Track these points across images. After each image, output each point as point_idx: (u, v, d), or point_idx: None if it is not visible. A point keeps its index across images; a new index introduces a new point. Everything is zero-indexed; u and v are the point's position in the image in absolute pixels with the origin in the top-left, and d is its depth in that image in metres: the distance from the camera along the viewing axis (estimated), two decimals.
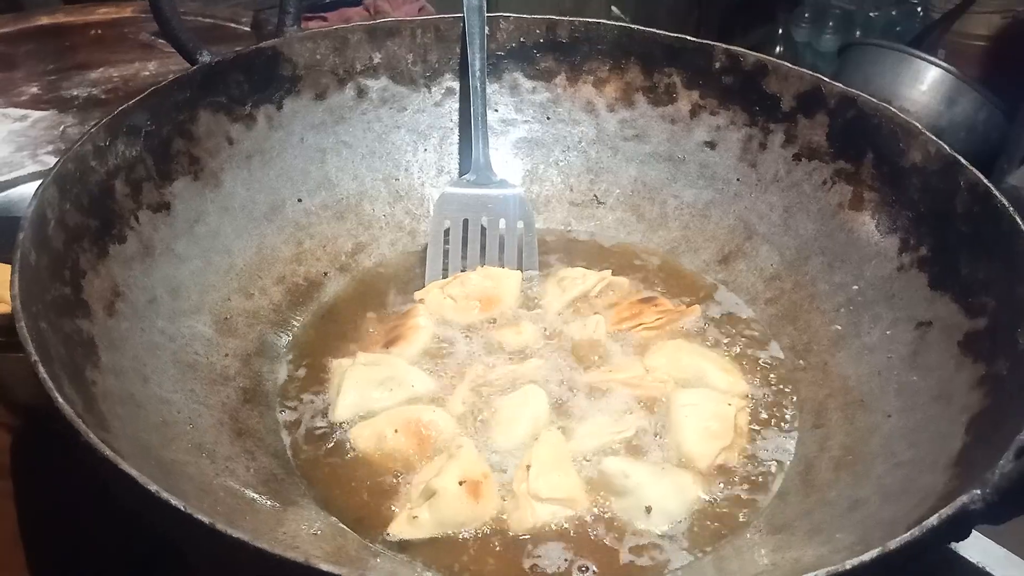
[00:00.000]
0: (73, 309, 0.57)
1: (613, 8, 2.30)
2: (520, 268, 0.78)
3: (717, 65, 0.80)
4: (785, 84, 0.77)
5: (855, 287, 0.69)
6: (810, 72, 0.75)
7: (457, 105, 0.86)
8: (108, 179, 0.64)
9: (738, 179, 0.80)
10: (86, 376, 0.53)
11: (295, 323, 0.74)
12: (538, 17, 0.84)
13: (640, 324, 0.71)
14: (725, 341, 0.72)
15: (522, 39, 0.85)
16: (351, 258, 0.81)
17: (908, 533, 0.38)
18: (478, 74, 0.81)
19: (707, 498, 0.58)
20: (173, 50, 0.75)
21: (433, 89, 0.85)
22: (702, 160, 0.82)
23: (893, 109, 0.70)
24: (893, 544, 0.38)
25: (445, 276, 0.77)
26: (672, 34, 0.82)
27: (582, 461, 0.60)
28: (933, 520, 0.39)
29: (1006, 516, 0.40)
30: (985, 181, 0.61)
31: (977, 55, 2.34)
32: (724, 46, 0.80)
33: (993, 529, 0.60)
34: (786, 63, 0.76)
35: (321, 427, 0.64)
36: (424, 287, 0.76)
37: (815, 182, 0.75)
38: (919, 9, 2.46)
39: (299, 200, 0.79)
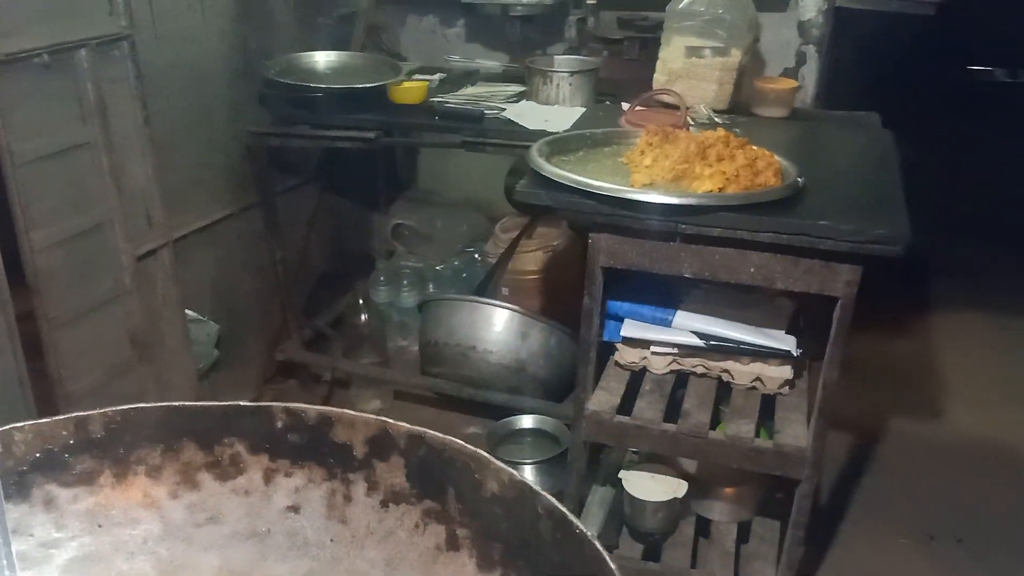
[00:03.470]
0: None
1: (188, 312, 2.23)
2: None
3: (280, 424, 0.76)
4: (353, 431, 0.74)
5: None
6: (374, 416, 0.74)
7: None
8: None
9: (332, 540, 0.74)
10: None
11: None
12: (61, 418, 0.74)
13: None
14: None
15: (47, 445, 0.73)
16: None
17: None
18: None
19: None
20: None
21: None
22: (289, 527, 0.75)
23: (460, 442, 0.70)
24: None
25: None
26: (222, 403, 0.76)
27: None
28: None
29: None
30: (560, 506, 0.62)
31: (535, 286, 2.66)
32: (283, 405, 0.76)
33: None
34: (349, 411, 0.74)
35: None
36: None
37: (408, 526, 0.72)
38: (477, 256, 2.75)
39: None
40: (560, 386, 2.32)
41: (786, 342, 1.60)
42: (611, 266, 1.52)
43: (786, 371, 1.63)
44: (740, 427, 1.54)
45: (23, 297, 1.85)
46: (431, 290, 2.67)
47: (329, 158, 2.57)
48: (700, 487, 1.77)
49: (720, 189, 1.46)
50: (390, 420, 0.74)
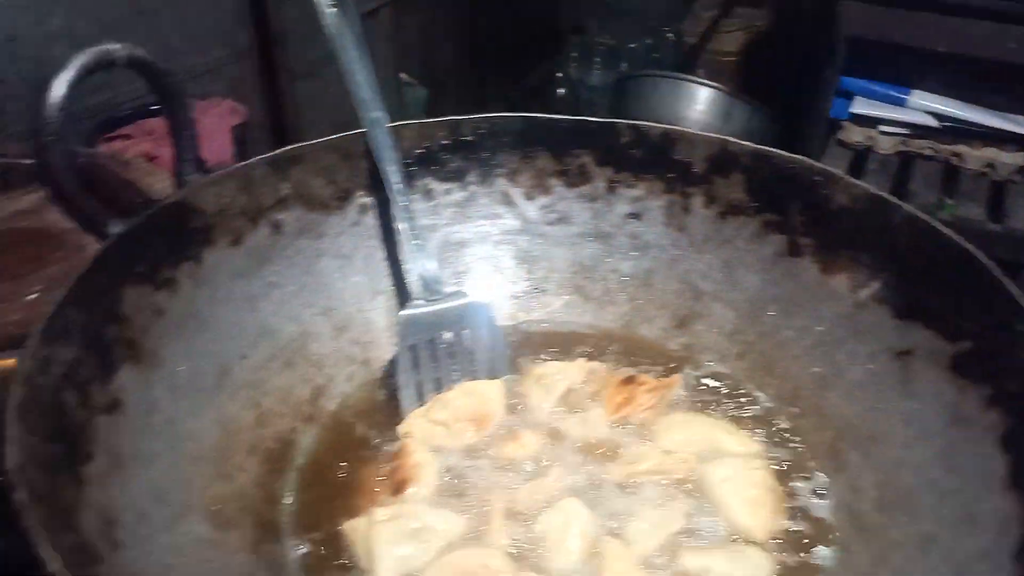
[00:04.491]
0: (80, 555, 0.49)
1: (402, 75, 2.32)
2: (495, 377, 0.76)
3: (624, 141, 0.83)
4: (693, 149, 0.81)
5: (819, 328, 0.74)
6: (715, 135, 0.80)
7: (373, 221, 0.83)
8: (57, 393, 0.56)
9: (671, 244, 0.83)
10: None
11: (285, 493, 0.67)
12: (439, 120, 0.84)
13: (636, 407, 0.72)
14: (714, 403, 0.74)
15: (427, 144, 0.84)
16: (313, 405, 0.75)
17: None
18: (394, 188, 0.78)
19: (779, 567, 0.60)
20: None
21: (347, 209, 0.82)
22: (631, 231, 0.84)
23: (809, 160, 0.76)
24: None
25: (422, 402, 0.74)
26: (574, 117, 0.84)
27: (651, 564, 0.60)
28: None
29: None
30: (921, 215, 0.68)
31: (731, 68, 2.61)
32: (627, 122, 0.83)
33: None
34: (689, 130, 0.80)
35: None
36: (404, 420, 0.72)
37: (746, 236, 0.80)
38: (670, 35, 2.69)
39: (243, 357, 0.73)
40: None
41: None
42: (861, 36, 1.49)
43: (1021, 157, 1.60)
44: (970, 210, 1.54)
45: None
46: (623, 68, 2.66)
47: None
48: None
49: None
50: (732, 139, 0.80)
